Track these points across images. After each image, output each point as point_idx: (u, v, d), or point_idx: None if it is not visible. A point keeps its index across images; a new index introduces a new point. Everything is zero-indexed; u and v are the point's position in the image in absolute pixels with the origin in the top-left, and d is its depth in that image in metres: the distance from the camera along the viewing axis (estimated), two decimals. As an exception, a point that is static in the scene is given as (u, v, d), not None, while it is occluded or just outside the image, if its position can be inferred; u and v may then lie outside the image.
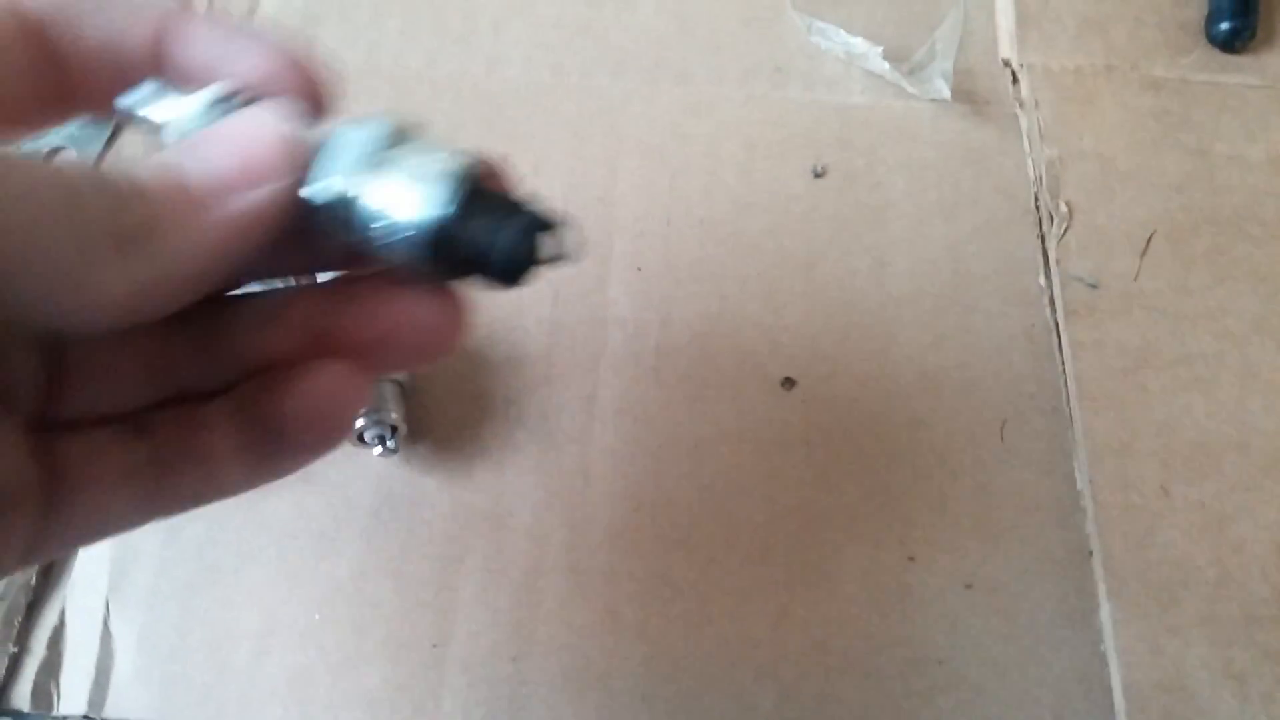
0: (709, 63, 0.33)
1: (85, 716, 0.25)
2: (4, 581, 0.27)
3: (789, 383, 0.28)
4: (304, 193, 0.15)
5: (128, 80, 0.16)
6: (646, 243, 0.30)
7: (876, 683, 0.24)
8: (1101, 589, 0.24)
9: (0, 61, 0.15)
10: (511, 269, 0.15)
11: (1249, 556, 0.24)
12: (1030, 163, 0.30)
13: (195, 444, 0.17)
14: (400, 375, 0.27)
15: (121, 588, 0.26)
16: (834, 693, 0.24)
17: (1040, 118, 0.30)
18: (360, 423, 0.25)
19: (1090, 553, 0.25)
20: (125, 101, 0.16)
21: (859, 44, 0.31)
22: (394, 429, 0.26)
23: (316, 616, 0.25)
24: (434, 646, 0.25)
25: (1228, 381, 0.26)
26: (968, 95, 0.31)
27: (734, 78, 0.32)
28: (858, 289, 0.29)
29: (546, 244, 0.16)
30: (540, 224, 0.16)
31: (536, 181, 0.31)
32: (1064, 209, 0.28)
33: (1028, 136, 0.30)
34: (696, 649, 0.25)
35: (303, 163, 0.15)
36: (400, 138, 0.16)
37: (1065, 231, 0.28)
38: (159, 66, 0.16)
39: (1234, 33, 0.30)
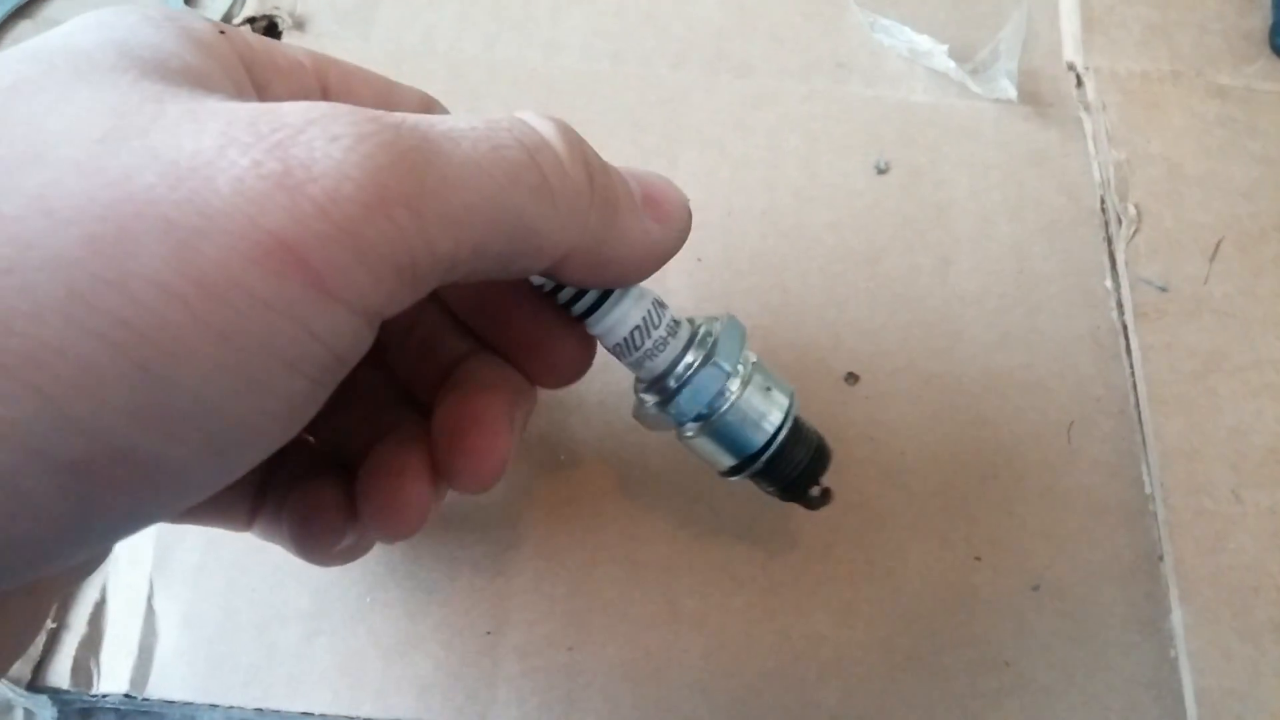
0: (770, 56, 0.33)
1: (126, 695, 0.24)
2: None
3: (852, 378, 0.27)
4: (695, 377, 0.19)
5: None
6: (707, 233, 0.30)
7: (942, 683, 0.24)
8: (1173, 593, 0.24)
9: None
10: (796, 493, 0.21)
11: (1321, 565, 0.24)
12: (1096, 165, 0.30)
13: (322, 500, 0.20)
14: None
15: (166, 565, 0.25)
16: (899, 691, 0.24)
17: (1106, 121, 0.30)
18: None
19: (1160, 557, 0.25)
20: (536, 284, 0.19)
21: (923, 41, 0.31)
22: None
23: (368, 599, 0.25)
24: (488, 633, 0.24)
25: (1299, 388, 0.26)
26: (1031, 97, 0.31)
27: (795, 71, 0.32)
28: (921, 286, 0.29)
29: (823, 477, 0.21)
30: (826, 459, 0.21)
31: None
32: (1133, 211, 0.28)
33: (1093, 139, 0.30)
34: (758, 644, 0.24)
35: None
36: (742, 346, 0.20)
37: (1134, 234, 0.28)
38: None
39: (1298, 44, 0.30)
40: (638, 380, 0.20)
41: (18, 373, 0.10)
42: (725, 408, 0.19)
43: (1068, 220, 0.29)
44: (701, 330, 0.19)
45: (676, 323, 0.19)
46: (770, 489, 0.21)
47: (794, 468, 0.20)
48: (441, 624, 0.24)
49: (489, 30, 0.33)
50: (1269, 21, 0.31)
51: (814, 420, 0.27)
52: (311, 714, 0.23)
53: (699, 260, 0.29)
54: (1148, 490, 0.26)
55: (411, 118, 0.13)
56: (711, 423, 0.19)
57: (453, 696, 0.24)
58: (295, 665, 0.24)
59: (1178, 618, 0.24)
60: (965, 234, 0.29)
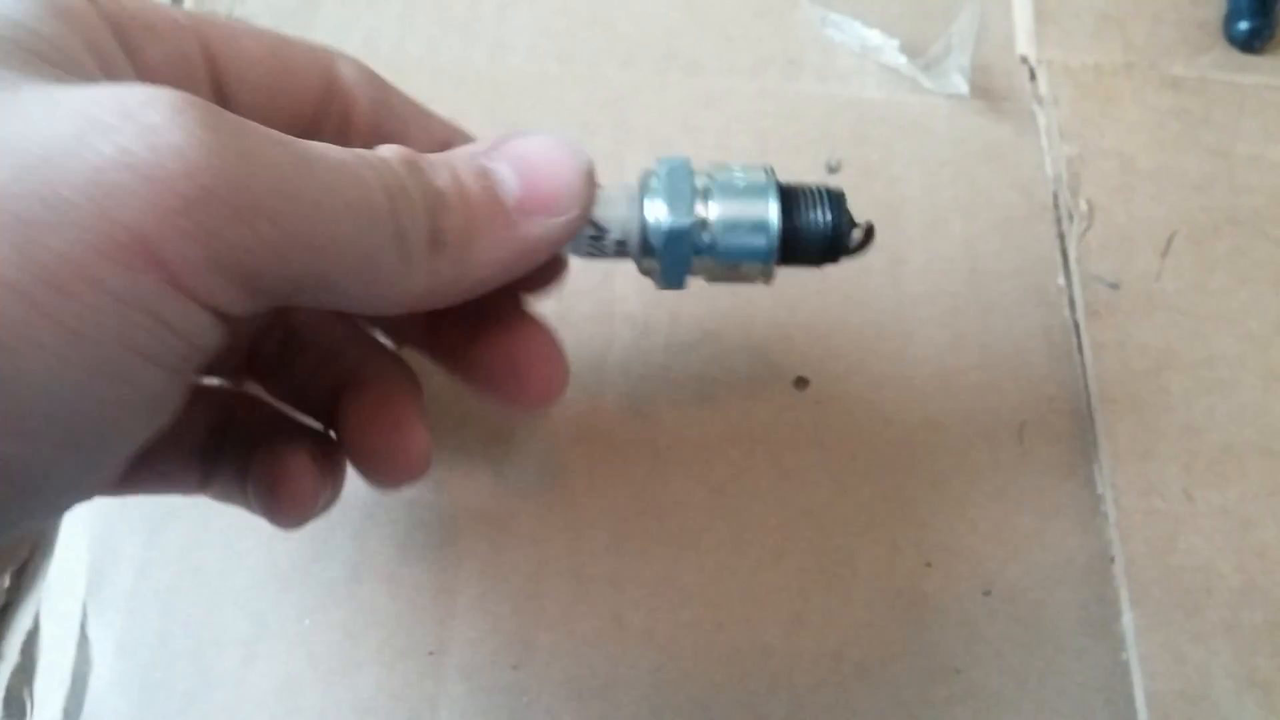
0: (720, 54, 0.32)
1: (60, 726, 0.23)
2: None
3: (802, 382, 0.27)
4: (665, 224, 0.18)
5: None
6: (655, 236, 0.29)
7: (892, 691, 0.23)
8: (1124, 596, 0.24)
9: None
10: (840, 247, 0.20)
11: (1273, 562, 0.24)
12: (1049, 160, 0.29)
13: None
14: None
15: (100, 591, 0.24)
16: (849, 702, 0.23)
17: (1059, 115, 0.29)
18: None
19: (1111, 559, 0.24)
20: None
21: (874, 37, 0.30)
22: None
23: (307, 621, 0.24)
24: (431, 653, 0.24)
25: (1250, 385, 0.26)
26: (984, 91, 0.31)
27: (745, 69, 0.32)
28: (873, 286, 0.28)
29: (849, 216, 0.20)
30: (840, 199, 0.20)
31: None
32: (1084, 207, 0.28)
33: (1046, 134, 0.30)
34: (706, 657, 0.24)
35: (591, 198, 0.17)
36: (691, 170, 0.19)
37: (1086, 230, 0.28)
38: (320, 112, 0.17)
39: (1253, 33, 0.30)
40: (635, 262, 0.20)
41: None
42: (714, 234, 0.18)
43: (1020, 217, 0.29)
44: (649, 182, 0.19)
45: (620, 190, 0.19)
46: (816, 261, 0.20)
47: (818, 234, 0.19)
48: (383, 645, 0.24)
49: (432, 32, 0.32)
50: (1223, 10, 0.31)
51: (763, 426, 0.27)
52: (251, 740, 0.23)
53: (647, 265, 0.29)
54: (1099, 491, 0.25)
55: (296, 142, 0.13)
56: (713, 252, 0.19)
57: (395, 718, 0.23)
58: (233, 690, 0.23)
59: (1129, 620, 0.23)
60: (917, 233, 0.29)
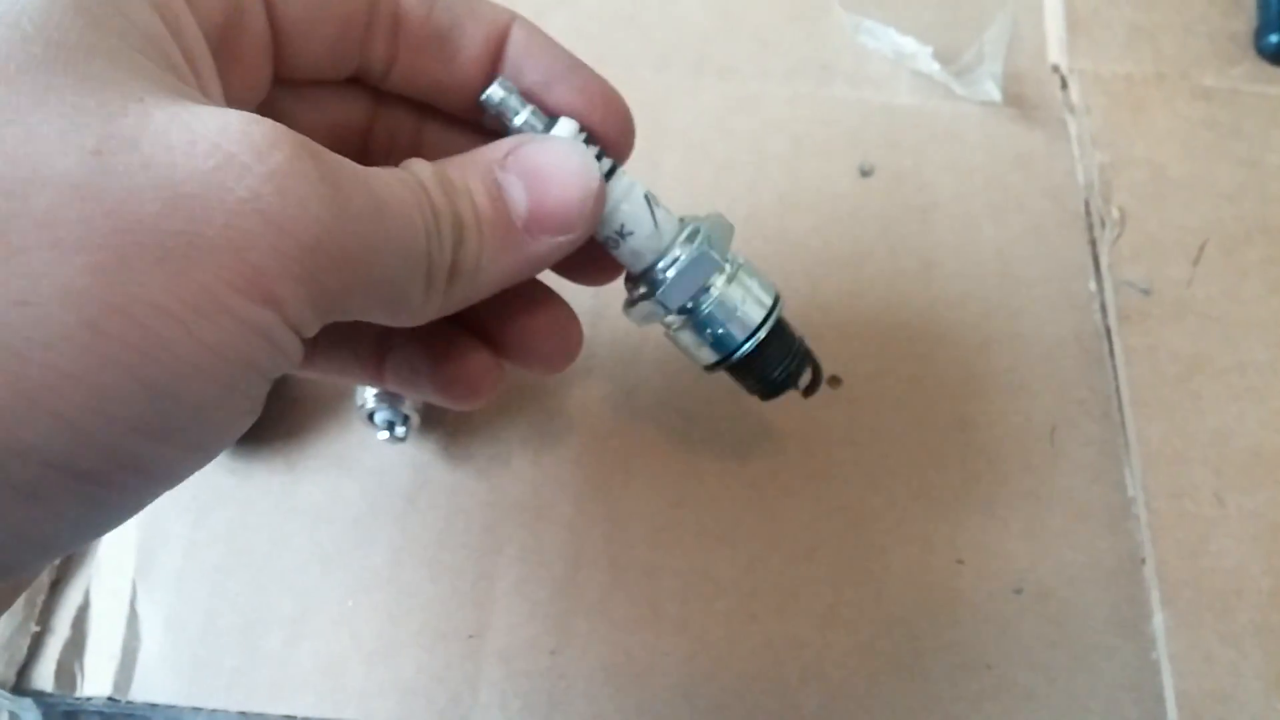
0: (754, 58, 0.33)
1: (110, 699, 0.24)
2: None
3: (835, 381, 0.27)
4: (671, 275, 0.19)
5: (451, 71, 0.18)
6: (690, 236, 0.30)
7: (923, 686, 0.24)
8: (1155, 596, 0.24)
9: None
10: (777, 393, 0.21)
11: (1303, 568, 0.24)
12: (1080, 168, 0.30)
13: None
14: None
15: (149, 569, 0.25)
16: (880, 695, 0.24)
17: (1091, 123, 0.30)
18: (372, 403, 0.25)
19: (1142, 560, 0.25)
20: (494, 99, 0.18)
21: (908, 44, 0.31)
22: (406, 418, 0.25)
23: (350, 603, 0.25)
24: (471, 637, 0.24)
25: (1281, 391, 0.26)
26: (1015, 99, 0.31)
27: (779, 74, 0.32)
28: (905, 289, 0.29)
29: (804, 377, 0.21)
30: (808, 361, 0.21)
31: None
32: (1116, 214, 0.28)
33: (1078, 142, 0.30)
34: (740, 647, 0.24)
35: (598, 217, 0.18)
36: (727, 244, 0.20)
37: (1118, 237, 0.28)
38: (490, 67, 0.18)
39: (1284, 45, 0.30)
40: (627, 276, 0.21)
41: (39, 400, 0.11)
42: (709, 301, 0.19)
43: (1052, 223, 0.29)
44: (690, 226, 0.19)
45: (668, 215, 0.19)
46: (752, 387, 0.21)
47: (774, 367, 0.20)
48: (424, 628, 0.24)
49: (475, 34, 0.33)
50: (1254, 23, 0.31)
51: (796, 424, 0.27)
52: (294, 717, 0.24)
53: (683, 263, 0.29)
54: (1130, 493, 0.26)
55: (371, 180, 0.14)
56: (695, 315, 0.19)
57: (435, 700, 0.24)
58: (278, 669, 0.24)
59: (1159, 621, 0.24)
60: (949, 237, 0.29)
